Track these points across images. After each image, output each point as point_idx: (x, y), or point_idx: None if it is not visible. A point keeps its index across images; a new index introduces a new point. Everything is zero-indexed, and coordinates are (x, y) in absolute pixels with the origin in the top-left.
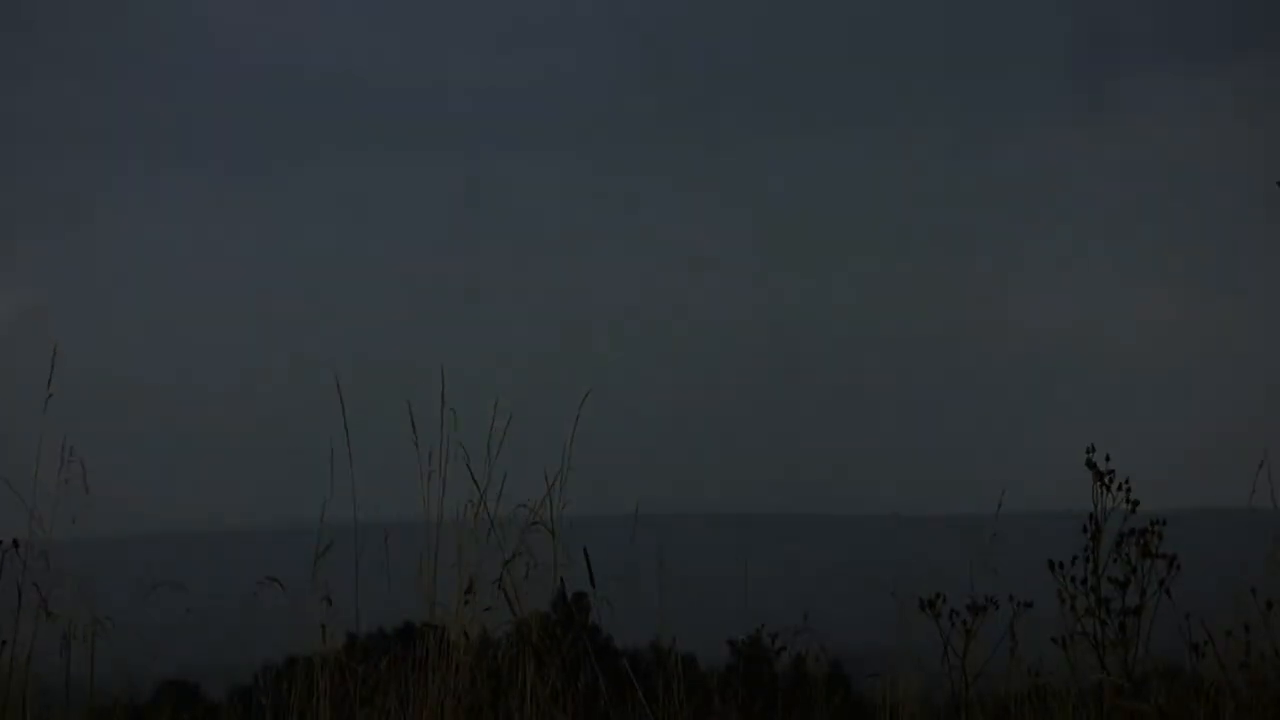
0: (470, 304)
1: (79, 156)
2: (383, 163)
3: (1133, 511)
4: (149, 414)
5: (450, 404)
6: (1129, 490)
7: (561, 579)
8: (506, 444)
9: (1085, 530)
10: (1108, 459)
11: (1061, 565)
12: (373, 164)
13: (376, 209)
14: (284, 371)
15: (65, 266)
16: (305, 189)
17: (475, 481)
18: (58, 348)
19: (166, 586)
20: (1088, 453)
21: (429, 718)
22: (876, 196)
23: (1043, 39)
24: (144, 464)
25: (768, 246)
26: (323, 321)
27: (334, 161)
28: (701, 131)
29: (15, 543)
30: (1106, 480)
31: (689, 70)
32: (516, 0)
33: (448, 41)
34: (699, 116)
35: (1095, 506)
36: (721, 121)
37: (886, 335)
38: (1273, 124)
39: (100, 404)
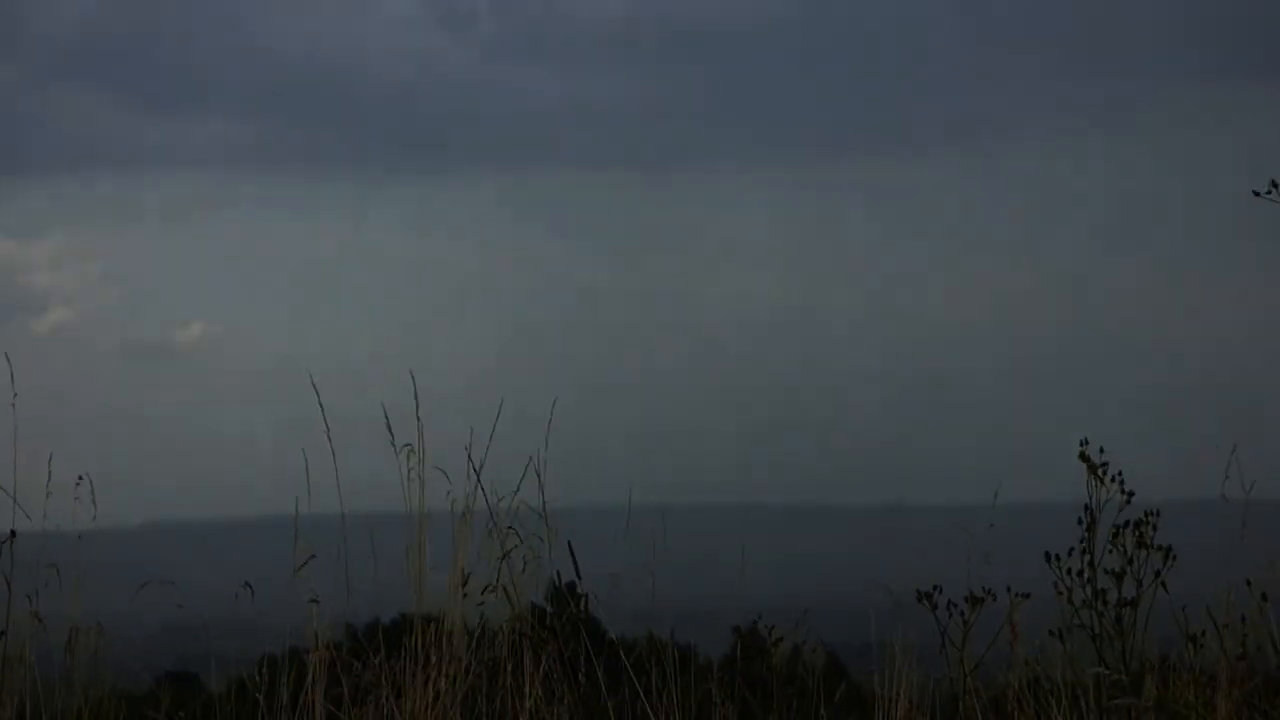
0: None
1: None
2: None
3: (1128, 503)
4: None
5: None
6: (1123, 482)
7: (558, 571)
8: (503, 435)
9: (1080, 522)
10: (1101, 451)
11: (1058, 557)
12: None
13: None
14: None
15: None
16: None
17: (475, 470)
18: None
19: (157, 581)
20: (1081, 445)
21: (424, 711)
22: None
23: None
24: (148, 453)
25: (783, 242)
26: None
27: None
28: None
29: (12, 533)
30: (1100, 473)
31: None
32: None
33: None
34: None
35: (1090, 498)
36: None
37: (889, 331)
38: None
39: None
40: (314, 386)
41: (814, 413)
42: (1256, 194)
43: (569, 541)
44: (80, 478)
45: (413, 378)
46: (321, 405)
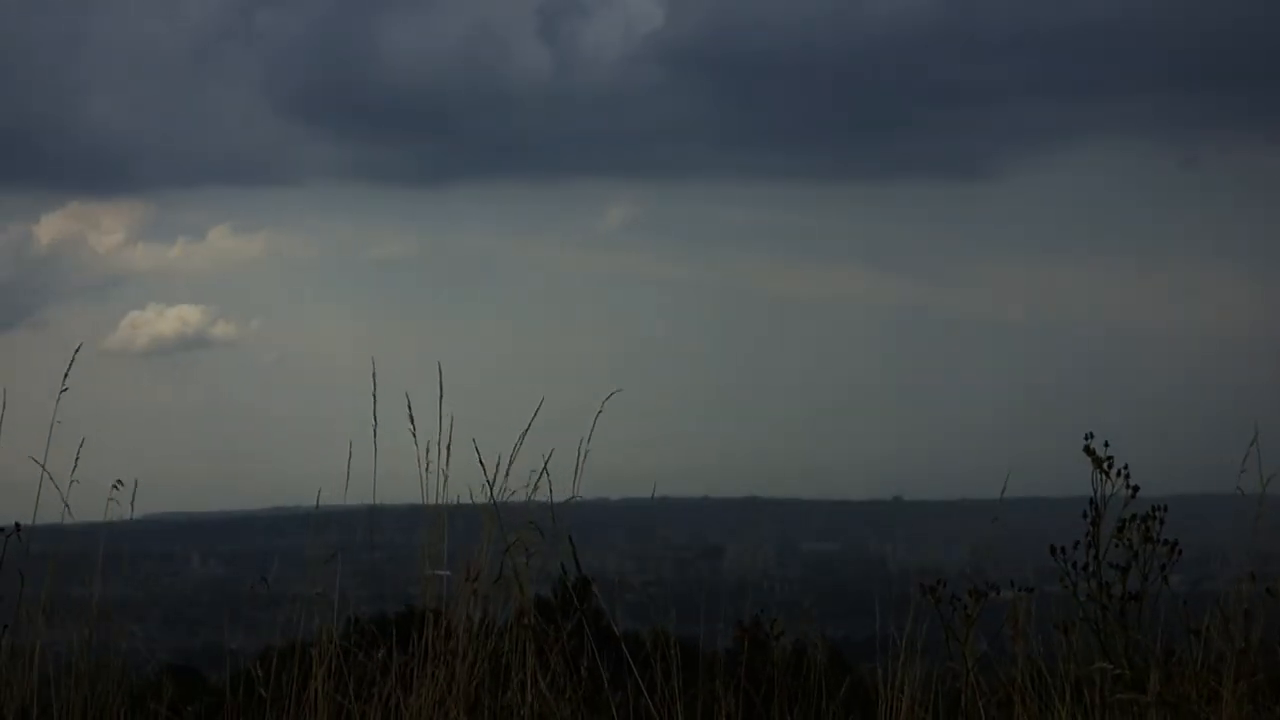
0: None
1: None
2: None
3: (1133, 497)
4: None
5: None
6: (1128, 476)
7: (562, 565)
8: (516, 427)
9: (1085, 516)
10: (1106, 445)
11: (1063, 550)
12: None
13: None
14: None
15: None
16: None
17: (482, 465)
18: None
19: (167, 571)
20: (1087, 439)
21: (429, 705)
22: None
23: None
24: (155, 446)
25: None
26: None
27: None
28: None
29: (17, 526)
30: (1105, 467)
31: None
32: None
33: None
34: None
35: (1095, 492)
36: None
37: (897, 323)
38: None
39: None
40: (373, 378)
41: (817, 409)
42: None
43: (569, 536)
44: (117, 484)
45: (439, 371)
46: (375, 398)
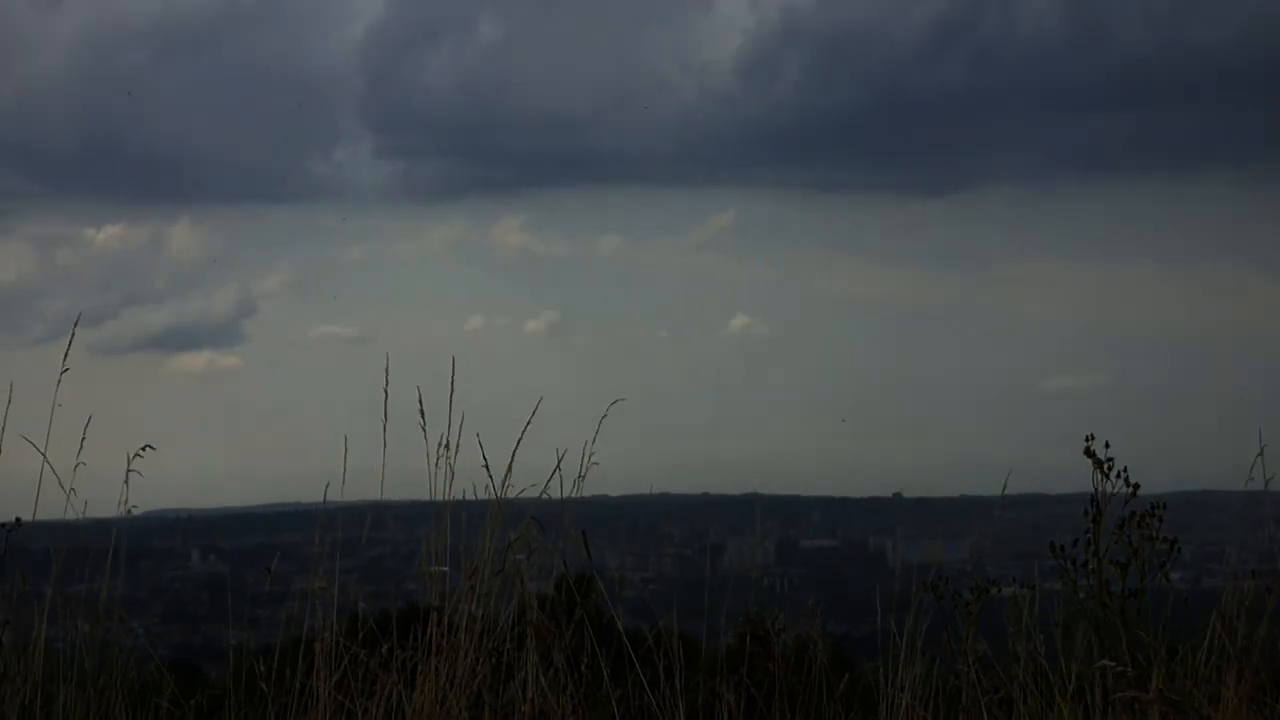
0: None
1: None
2: None
3: (1133, 495)
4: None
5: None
6: (1128, 476)
7: (564, 561)
8: (537, 431)
9: (1086, 514)
10: (1106, 446)
11: (1063, 548)
12: None
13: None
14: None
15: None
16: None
17: (486, 465)
18: (79, 318)
19: (169, 567)
20: (1087, 441)
21: (431, 701)
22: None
23: None
24: (157, 442)
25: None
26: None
27: None
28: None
29: (17, 520)
30: (1105, 468)
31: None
32: None
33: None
34: None
35: (1095, 491)
36: None
37: (896, 318)
38: None
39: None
40: (386, 373)
41: (819, 405)
42: None
43: (583, 531)
44: (143, 448)
45: (453, 365)
46: (387, 393)
